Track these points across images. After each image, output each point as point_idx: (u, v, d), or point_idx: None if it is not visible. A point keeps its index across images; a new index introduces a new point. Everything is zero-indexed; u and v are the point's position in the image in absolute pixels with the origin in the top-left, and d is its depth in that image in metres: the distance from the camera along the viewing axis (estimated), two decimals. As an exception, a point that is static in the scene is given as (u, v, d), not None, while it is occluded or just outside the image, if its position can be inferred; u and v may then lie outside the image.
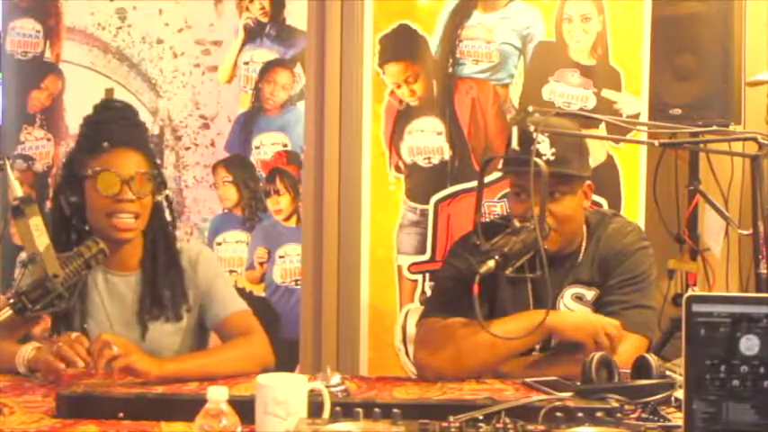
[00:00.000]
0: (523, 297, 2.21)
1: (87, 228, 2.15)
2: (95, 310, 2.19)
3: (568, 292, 2.23)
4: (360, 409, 1.49)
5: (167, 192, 2.26)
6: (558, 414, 1.56)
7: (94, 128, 2.20)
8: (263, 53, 3.22)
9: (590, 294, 2.22)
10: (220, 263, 3.01)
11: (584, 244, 2.25)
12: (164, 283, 2.20)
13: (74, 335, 1.97)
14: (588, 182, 2.23)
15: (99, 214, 2.13)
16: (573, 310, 2.22)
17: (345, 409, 1.52)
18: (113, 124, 2.17)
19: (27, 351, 1.99)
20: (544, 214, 2.02)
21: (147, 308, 2.18)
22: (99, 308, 2.19)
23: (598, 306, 2.20)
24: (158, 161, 2.28)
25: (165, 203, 2.23)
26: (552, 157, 2.10)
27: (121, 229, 2.13)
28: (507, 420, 1.50)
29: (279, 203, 3.23)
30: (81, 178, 2.14)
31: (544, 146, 2.10)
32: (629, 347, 2.07)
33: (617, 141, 2.80)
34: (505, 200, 2.46)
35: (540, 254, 1.98)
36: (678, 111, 3.11)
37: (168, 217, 2.25)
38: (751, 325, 1.40)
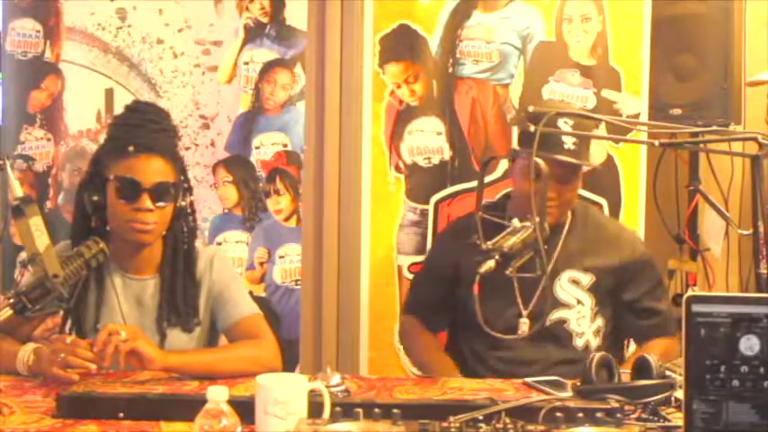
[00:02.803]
0: (509, 287, 2.23)
1: (108, 228, 2.13)
2: (111, 312, 2.17)
3: (565, 276, 2.26)
4: (360, 409, 1.49)
5: (192, 198, 2.22)
6: (558, 414, 1.56)
7: (121, 130, 2.16)
8: (263, 53, 3.21)
9: (586, 279, 2.28)
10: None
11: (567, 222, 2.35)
12: (180, 291, 2.18)
13: (68, 339, 1.96)
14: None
15: (118, 218, 2.11)
16: (570, 293, 2.29)
17: (345, 409, 1.52)
18: (141, 128, 2.12)
19: (26, 355, 1.98)
20: (544, 215, 2.02)
21: (165, 315, 2.16)
22: (115, 310, 2.17)
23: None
24: (185, 167, 2.23)
25: (188, 210, 2.20)
26: (573, 147, 2.19)
27: (138, 230, 2.11)
28: (507, 420, 1.51)
29: (279, 203, 3.22)
30: (104, 179, 2.12)
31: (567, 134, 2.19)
32: (671, 348, 2.22)
33: (617, 141, 2.80)
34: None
35: (541, 254, 1.98)
36: (678, 111, 3.10)
37: (191, 223, 2.22)
38: (751, 325, 1.41)
